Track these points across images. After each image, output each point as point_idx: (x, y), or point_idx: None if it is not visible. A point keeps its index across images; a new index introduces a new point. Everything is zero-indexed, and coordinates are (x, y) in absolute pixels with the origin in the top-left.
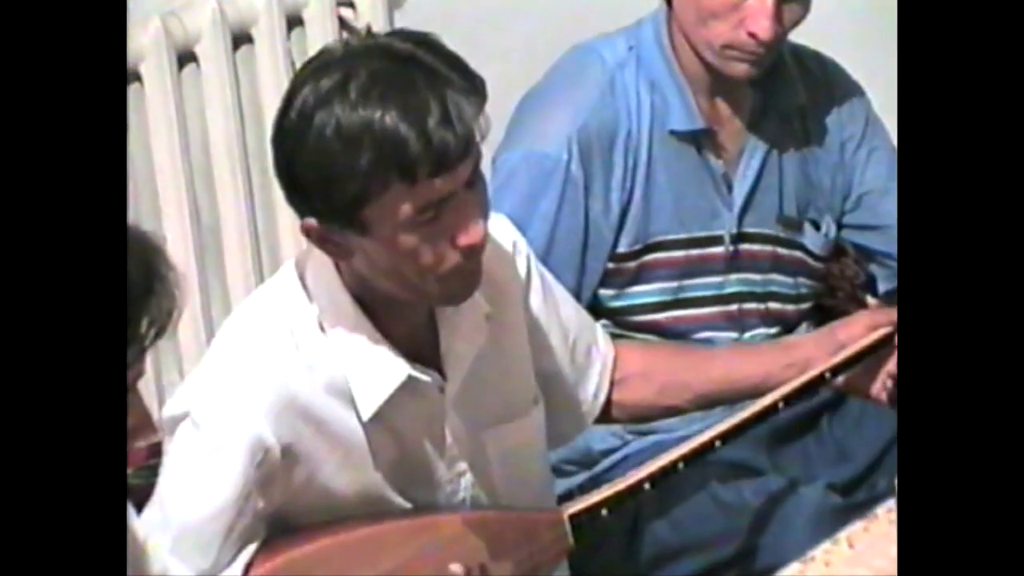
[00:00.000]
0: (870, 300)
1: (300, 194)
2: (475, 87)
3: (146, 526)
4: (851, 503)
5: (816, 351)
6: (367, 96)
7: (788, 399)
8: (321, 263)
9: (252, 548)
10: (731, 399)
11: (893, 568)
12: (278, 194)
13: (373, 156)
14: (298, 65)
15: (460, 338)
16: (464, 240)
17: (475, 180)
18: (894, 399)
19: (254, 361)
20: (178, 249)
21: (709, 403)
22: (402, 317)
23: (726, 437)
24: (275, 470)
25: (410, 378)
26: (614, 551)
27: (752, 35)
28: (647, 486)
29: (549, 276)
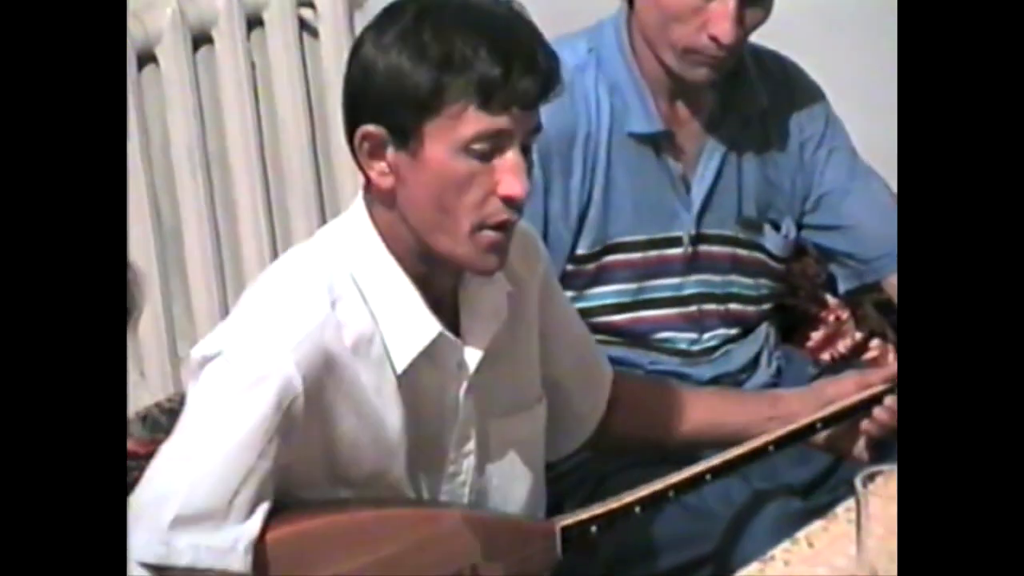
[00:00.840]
0: (831, 299)
1: (369, 100)
2: (550, 52)
3: (157, 476)
4: (811, 505)
5: (802, 406)
6: (454, 24)
7: (778, 444)
8: (358, 219)
9: (266, 506)
10: (711, 444)
11: (852, 567)
12: (239, 195)
13: (456, 69)
14: (259, 66)
15: (481, 315)
16: (506, 189)
17: (528, 148)
18: (875, 454)
19: (291, 309)
20: (139, 250)
21: (689, 446)
22: (430, 285)
23: (717, 472)
24: (298, 418)
25: (441, 336)
26: (584, 551)
27: (714, 39)
28: (637, 509)
29: (562, 291)
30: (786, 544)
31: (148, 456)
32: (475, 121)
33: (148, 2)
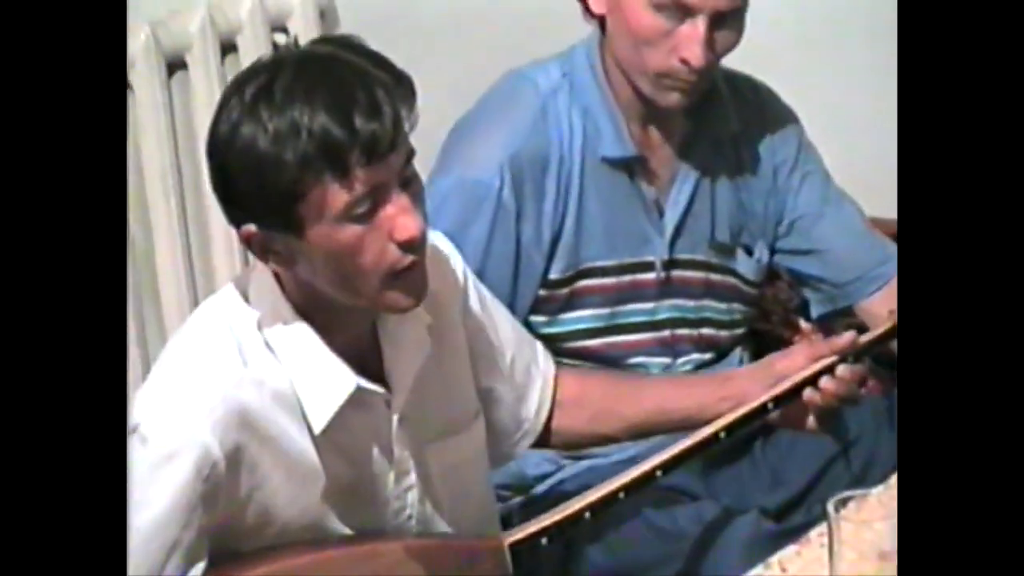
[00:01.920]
0: (803, 324)
1: (237, 202)
2: (400, 80)
3: None
4: (785, 528)
5: (752, 384)
6: (292, 95)
7: (729, 429)
8: (263, 279)
9: (201, 567)
10: (664, 429)
11: None
12: (212, 219)
13: (304, 151)
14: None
15: (403, 352)
16: (401, 234)
17: (410, 179)
18: (824, 425)
19: (202, 374)
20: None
21: (642, 433)
22: (346, 331)
23: (667, 467)
24: (220, 483)
25: (359, 389)
26: (548, 573)
27: (685, 62)
28: (587, 515)
29: (487, 293)
30: (759, 569)
31: None
32: (340, 194)
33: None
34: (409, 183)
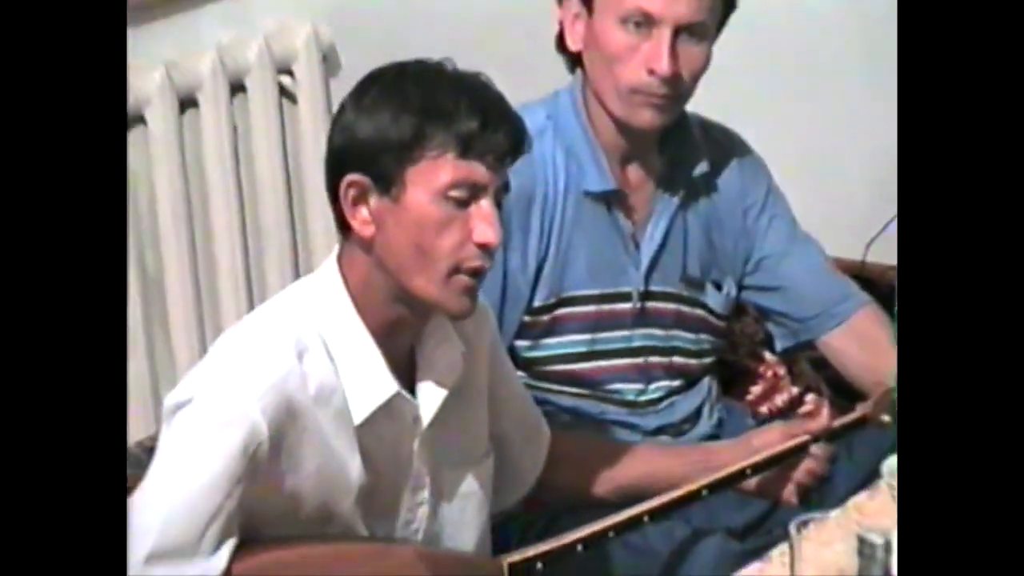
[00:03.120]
0: (768, 356)
1: (353, 150)
2: (520, 122)
3: (139, 504)
4: (748, 548)
5: (731, 457)
6: (443, 85)
7: (712, 488)
8: (330, 278)
9: (233, 542)
10: (650, 494)
11: None
12: (219, 251)
13: (437, 119)
14: (240, 128)
15: (436, 373)
16: (480, 236)
17: (500, 201)
18: (801, 499)
19: (258, 362)
20: (173, 280)
21: (629, 496)
22: (393, 340)
23: (654, 514)
24: (262, 462)
25: (397, 395)
26: None
27: (652, 72)
28: (580, 547)
29: (507, 357)
30: None
31: (128, 491)
32: (454, 169)
33: (138, 67)
34: (499, 206)
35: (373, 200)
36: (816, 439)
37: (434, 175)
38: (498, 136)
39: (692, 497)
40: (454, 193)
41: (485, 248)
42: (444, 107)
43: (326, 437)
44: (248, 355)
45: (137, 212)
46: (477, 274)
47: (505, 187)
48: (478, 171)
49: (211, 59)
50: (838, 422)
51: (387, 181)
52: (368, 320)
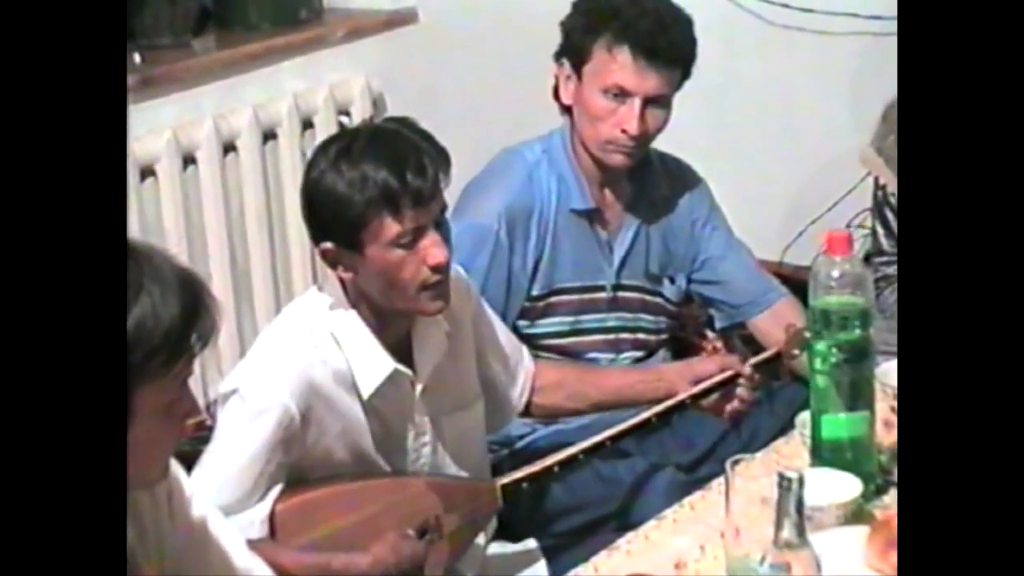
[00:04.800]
0: (709, 334)
1: (319, 226)
2: (440, 151)
3: (197, 478)
4: (693, 478)
5: (678, 378)
6: (364, 155)
7: (660, 416)
8: (333, 288)
9: (276, 490)
10: (617, 406)
11: (721, 525)
12: (293, 250)
13: (370, 194)
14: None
15: (427, 349)
16: (432, 260)
17: (441, 221)
18: (734, 417)
19: (285, 354)
20: (218, 285)
21: (600, 408)
22: (389, 329)
23: (615, 438)
24: (295, 433)
25: (395, 371)
26: (525, 506)
27: (624, 132)
28: (556, 468)
29: (489, 310)
30: (675, 507)
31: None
32: (392, 227)
33: (229, 109)
34: (441, 225)
35: (344, 256)
36: (742, 375)
37: (380, 235)
38: (419, 186)
39: (643, 424)
40: (401, 242)
41: (438, 268)
42: (374, 183)
43: (346, 406)
44: (277, 351)
45: (230, 222)
46: (438, 285)
47: (442, 209)
48: (410, 221)
49: (288, 103)
50: (761, 356)
51: (349, 245)
52: (365, 317)
